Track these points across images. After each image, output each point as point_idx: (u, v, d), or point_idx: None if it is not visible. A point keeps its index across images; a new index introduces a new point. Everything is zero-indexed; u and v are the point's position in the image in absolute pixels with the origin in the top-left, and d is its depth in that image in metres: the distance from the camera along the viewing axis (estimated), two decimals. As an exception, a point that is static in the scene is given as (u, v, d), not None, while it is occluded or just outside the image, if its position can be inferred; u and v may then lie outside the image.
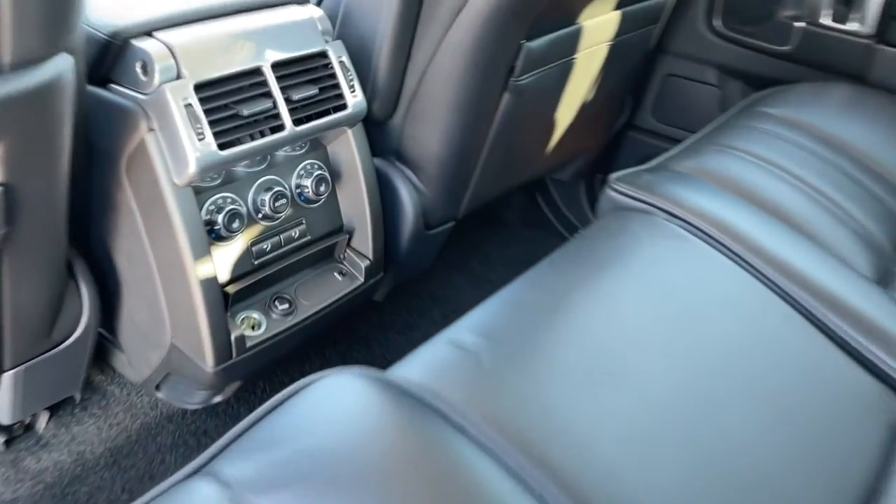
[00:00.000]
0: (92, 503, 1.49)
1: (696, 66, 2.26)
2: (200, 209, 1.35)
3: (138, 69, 1.23)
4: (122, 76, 1.27)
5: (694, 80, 2.28)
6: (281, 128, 1.34)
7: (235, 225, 1.37)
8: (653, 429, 0.98)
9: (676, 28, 2.23)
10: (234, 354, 1.40)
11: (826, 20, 2.06)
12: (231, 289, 1.40)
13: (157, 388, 1.56)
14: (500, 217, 2.58)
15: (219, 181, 1.38)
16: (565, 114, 1.88)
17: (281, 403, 0.93)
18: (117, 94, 1.27)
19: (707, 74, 2.26)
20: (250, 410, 0.94)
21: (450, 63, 1.51)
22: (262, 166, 1.45)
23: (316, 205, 1.54)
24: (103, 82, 1.29)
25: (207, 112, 1.24)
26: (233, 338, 1.39)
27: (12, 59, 0.88)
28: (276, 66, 1.34)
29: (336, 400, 0.94)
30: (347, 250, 1.61)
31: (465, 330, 1.14)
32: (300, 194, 1.51)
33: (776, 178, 1.56)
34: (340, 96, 1.45)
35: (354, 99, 1.46)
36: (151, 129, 1.24)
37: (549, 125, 1.87)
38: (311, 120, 1.40)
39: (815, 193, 1.54)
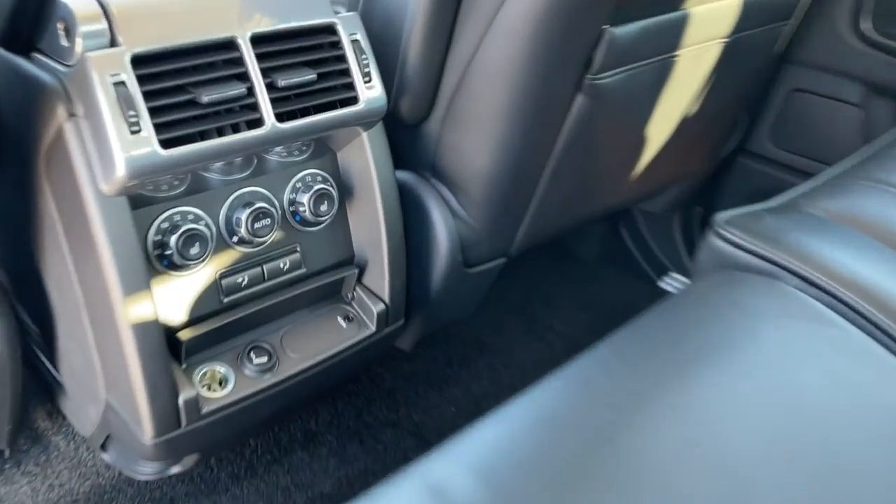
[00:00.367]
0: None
1: (833, 80, 1.78)
2: (149, 226, 1.00)
3: (60, 32, 0.90)
4: (46, 42, 0.94)
5: (829, 98, 1.80)
6: (258, 123, 0.98)
7: (195, 250, 1.01)
8: None
9: (811, 30, 1.75)
10: (182, 422, 1.05)
11: None
12: (186, 334, 1.05)
13: (103, 447, 1.22)
14: (571, 249, 2.15)
15: (181, 189, 1.03)
16: (660, 129, 1.45)
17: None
18: (39, 65, 0.95)
19: (847, 90, 1.77)
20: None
21: (504, 50, 1.12)
22: (245, 173, 1.09)
23: (317, 228, 1.18)
24: (27, 50, 0.97)
25: (150, 95, 0.90)
26: (181, 401, 1.03)
27: None
28: (259, 39, 0.99)
29: None
30: (357, 289, 1.24)
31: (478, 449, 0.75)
32: (294, 214, 1.15)
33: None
34: (350, 87, 1.08)
35: (370, 92, 1.09)
36: (72, 115, 0.91)
37: (637, 142, 1.44)
38: (304, 115, 1.03)
39: None
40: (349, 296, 1.25)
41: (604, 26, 1.15)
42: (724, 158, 1.90)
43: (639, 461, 0.77)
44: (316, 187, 1.13)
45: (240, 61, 0.97)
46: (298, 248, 1.17)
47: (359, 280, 1.25)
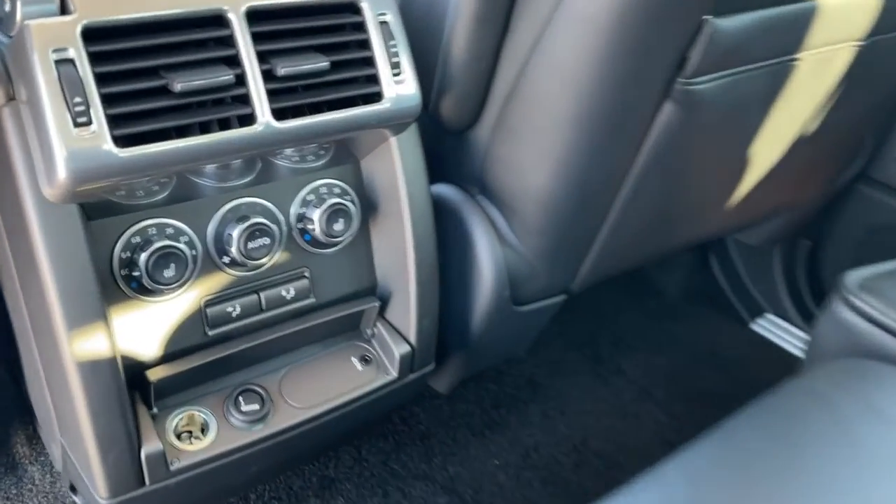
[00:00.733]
0: None
1: None
2: (116, 240, 0.81)
3: (3, -6, 0.72)
4: (-5, 8, 0.76)
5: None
6: (249, 119, 0.78)
7: (169, 273, 0.82)
8: None
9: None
10: (146, 481, 0.86)
11: None
12: (157, 373, 0.86)
13: (73, 490, 1.05)
14: (650, 279, 1.88)
15: (161, 196, 0.84)
16: (767, 148, 1.18)
17: None
18: (-14, 37, 0.77)
19: None
20: None
21: (573, 43, 0.89)
22: (245, 180, 0.90)
23: (331, 250, 0.97)
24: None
25: (104, 79, 0.71)
26: (144, 454, 0.84)
27: None
28: (257, 15, 0.79)
29: None
30: (379, 325, 1.03)
31: None
32: (303, 232, 0.94)
33: None
34: (373, 80, 0.86)
35: (399, 87, 0.87)
36: (11, 99, 0.72)
37: (738, 163, 1.17)
38: (312, 112, 0.82)
39: None
40: (368, 332, 1.04)
41: (705, 16, 0.89)
42: (841, 186, 1.59)
43: None
44: (330, 201, 0.92)
45: (229, 41, 0.77)
46: (307, 274, 0.96)
47: (381, 314, 1.03)
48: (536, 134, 0.98)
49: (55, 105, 0.68)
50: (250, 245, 0.87)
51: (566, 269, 1.15)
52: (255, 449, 0.92)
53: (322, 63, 0.81)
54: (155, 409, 0.88)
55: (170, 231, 0.84)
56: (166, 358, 0.88)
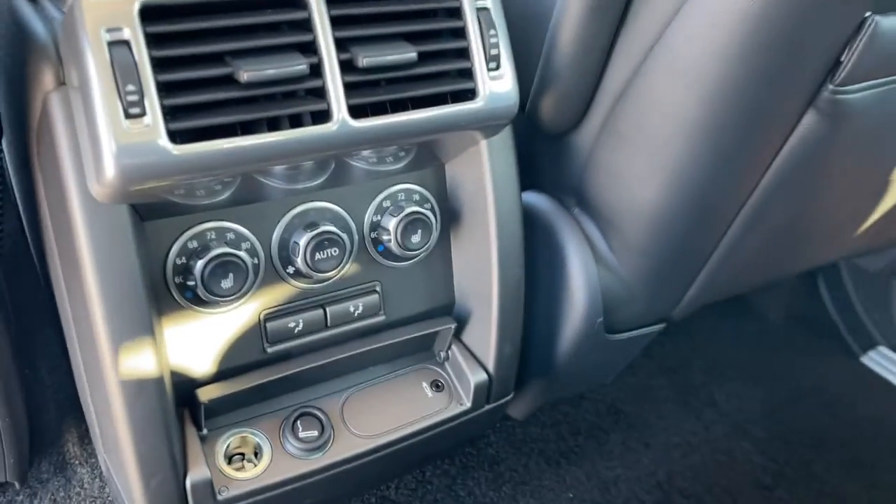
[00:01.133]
0: None
1: None
2: (171, 244, 0.73)
3: (56, -34, 0.64)
4: (51, -20, 0.68)
5: None
6: (324, 116, 0.68)
7: (227, 284, 0.73)
8: None
9: None
10: (190, 509, 0.77)
11: None
12: (209, 393, 0.77)
13: (120, 500, 0.98)
14: (751, 303, 1.72)
15: (224, 196, 0.75)
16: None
17: None
18: (39, 10, 0.69)
19: None
20: None
21: (703, 39, 0.75)
22: (316, 182, 0.80)
23: (406, 263, 0.87)
24: (37, -8, 0.72)
25: (163, 64, 0.61)
26: (189, 482, 0.76)
27: None
28: (339, -3, 0.68)
29: None
30: (454, 348, 0.92)
31: None
32: (377, 242, 0.84)
33: None
34: (467, 74, 0.75)
35: (496, 83, 0.76)
36: (62, 84, 0.64)
37: (878, 183, 1.01)
38: (397, 110, 0.72)
39: None
40: (442, 356, 0.93)
41: (867, 13, 0.74)
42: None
43: None
44: (408, 210, 0.82)
45: (306, 25, 0.67)
46: (378, 288, 0.86)
47: (457, 336, 0.93)
48: (650, 141, 0.85)
49: (106, 93, 0.59)
50: (318, 256, 0.77)
51: (669, 295, 1.02)
52: (311, 480, 0.83)
53: (409, 53, 0.70)
54: (205, 431, 0.80)
55: (230, 236, 0.76)
56: (220, 375, 0.79)
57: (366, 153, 0.81)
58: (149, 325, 0.69)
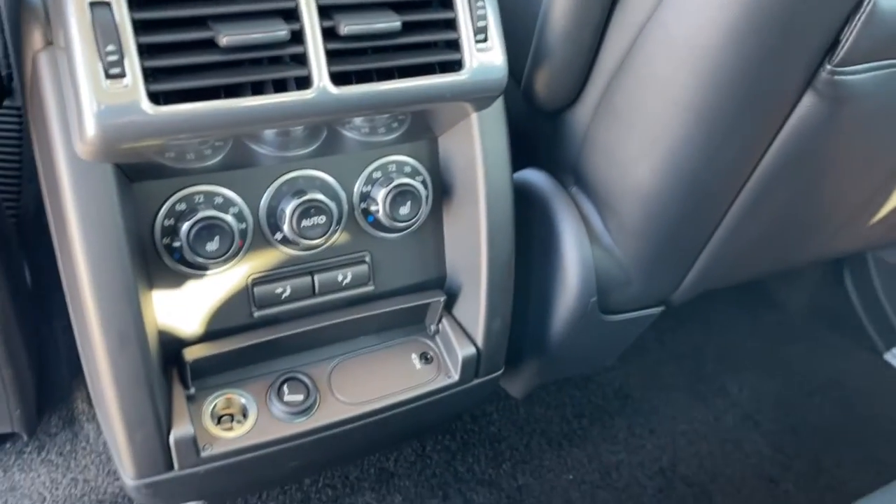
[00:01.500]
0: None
1: None
2: (160, 206, 0.75)
3: (47, -74, 0.65)
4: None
5: None
6: (306, 82, 0.68)
7: (212, 247, 0.75)
8: None
9: None
10: (175, 465, 0.80)
11: None
12: (195, 352, 0.79)
13: (119, 456, 1.01)
14: (768, 292, 1.68)
15: (214, 161, 0.77)
16: (931, 156, 0.98)
17: None
18: (36, -25, 0.71)
19: None
20: None
21: (697, 14, 0.74)
22: (306, 150, 0.81)
23: (396, 235, 0.87)
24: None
25: (144, 26, 0.63)
26: (173, 438, 0.78)
27: None
28: (323, -37, 0.69)
29: None
30: (444, 321, 0.92)
31: None
32: (366, 213, 0.85)
33: None
34: (454, 45, 0.75)
35: (483, 55, 0.76)
36: (50, 43, 0.66)
37: (889, 169, 0.98)
38: (380, 78, 0.72)
39: None
40: (432, 329, 0.94)
41: (867, -12, 0.72)
42: None
43: None
44: (398, 181, 0.82)
45: (288, -9, 0.67)
46: (367, 259, 0.87)
47: (448, 310, 0.93)
48: (645, 119, 0.84)
49: (87, 52, 0.61)
50: (304, 223, 0.79)
51: (666, 279, 1.00)
52: (295, 443, 0.85)
53: (393, 22, 0.71)
54: (192, 390, 0.82)
55: (218, 200, 0.77)
56: (207, 336, 0.82)
57: (358, 122, 0.82)
58: (132, 283, 0.71)
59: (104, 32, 0.61)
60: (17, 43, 0.75)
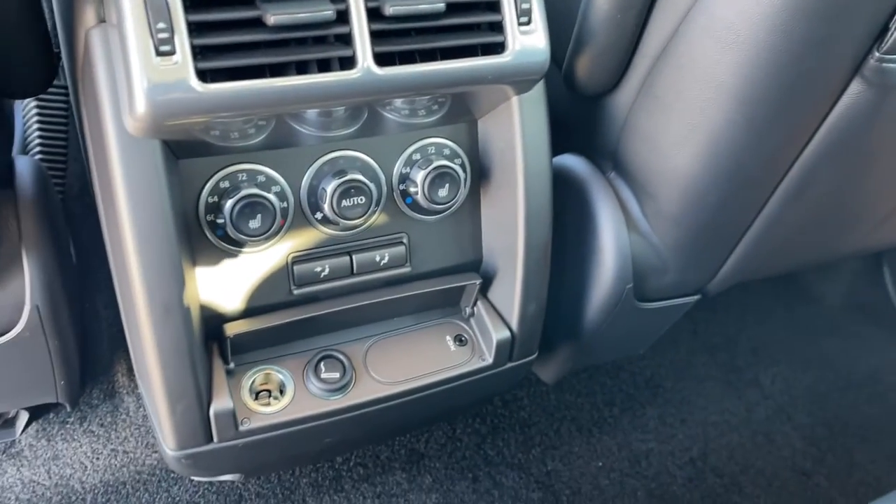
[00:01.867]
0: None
1: None
2: (204, 183, 0.76)
3: None
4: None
5: None
6: (350, 62, 0.69)
7: (254, 224, 0.76)
8: None
9: None
10: (214, 438, 0.82)
11: None
12: (235, 328, 0.81)
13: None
14: (805, 285, 1.66)
15: (257, 140, 0.78)
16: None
17: None
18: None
19: None
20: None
21: (736, 3, 0.73)
22: (347, 130, 0.82)
23: (434, 217, 0.88)
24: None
25: (195, 5, 0.64)
26: (213, 411, 0.80)
27: None
28: (369, -57, 0.69)
29: None
30: (479, 304, 0.93)
31: None
32: (405, 194, 0.85)
33: None
34: (497, 27, 0.75)
35: (526, 38, 0.76)
36: (102, 21, 0.68)
37: (938, 163, 0.96)
38: (423, 59, 0.73)
39: None
40: (467, 311, 0.94)
41: (921, -26, 0.71)
42: None
43: None
44: (437, 163, 0.83)
45: (336, -28, 0.68)
46: (405, 240, 0.88)
47: (483, 293, 0.94)
48: (687, 105, 0.83)
49: (138, 30, 0.62)
50: (344, 203, 0.80)
51: (703, 267, 1.00)
52: (330, 420, 0.86)
53: (437, 4, 0.71)
54: (231, 365, 0.84)
55: (261, 179, 0.78)
56: (247, 313, 0.83)
57: (398, 104, 0.83)
58: (177, 257, 0.73)
59: (155, 10, 0.62)
60: (68, 21, 0.76)
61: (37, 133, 1.21)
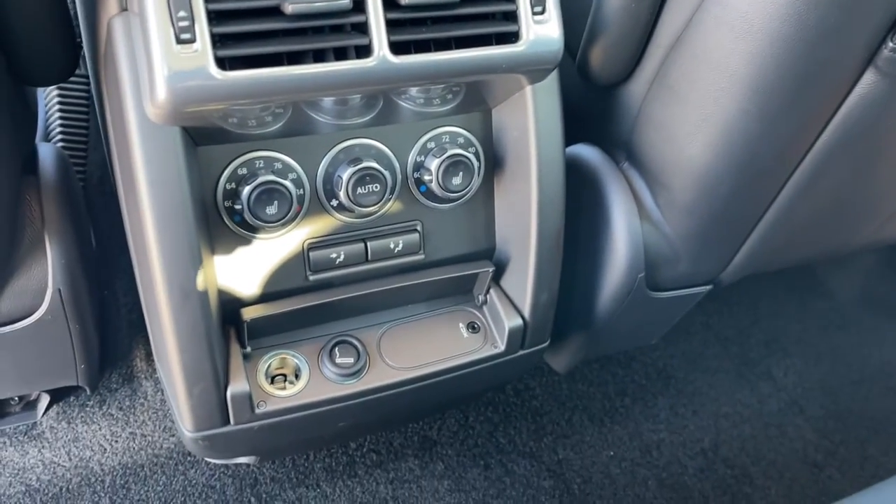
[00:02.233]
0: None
1: None
2: (223, 170, 0.78)
3: None
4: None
5: None
6: (366, 51, 0.70)
7: (271, 210, 0.78)
8: None
9: None
10: (231, 420, 0.83)
11: None
12: (252, 312, 0.82)
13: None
14: (819, 278, 1.66)
15: (274, 127, 0.79)
16: None
17: None
18: (111, -56, 0.74)
19: None
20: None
21: (757, -11, 0.74)
22: (363, 118, 0.83)
23: (448, 206, 0.89)
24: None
25: (214, -6, 0.65)
26: (230, 394, 0.81)
27: None
28: (386, -68, 0.70)
29: None
30: (492, 292, 0.94)
31: None
32: (419, 182, 0.86)
33: None
34: (511, 17, 0.76)
35: (540, 27, 0.76)
36: (124, 10, 0.69)
37: (953, 155, 0.96)
38: (437, 48, 0.74)
39: None
40: (480, 299, 0.95)
41: (936, -37, 0.71)
42: None
43: None
44: (451, 152, 0.84)
45: (352, -38, 0.69)
46: (419, 228, 0.89)
47: (496, 281, 0.95)
48: (700, 95, 0.83)
49: (160, 18, 0.64)
50: (359, 190, 0.81)
51: (716, 257, 1.00)
52: (344, 404, 0.88)
53: (453, -7, 0.72)
54: (248, 349, 0.85)
55: (278, 166, 0.80)
56: (264, 298, 0.85)
57: (413, 93, 0.83)
58: (196, 242, 0.75)
59: (177, 0, 0.63)
60: (91, 10, 0.78)
61: (58, 121, 1.24)
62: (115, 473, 1.13)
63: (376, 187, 0.81)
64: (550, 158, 0.86)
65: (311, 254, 0.85)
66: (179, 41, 0.64)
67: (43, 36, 0.80)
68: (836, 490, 1.29)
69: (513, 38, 0.76)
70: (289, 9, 0.66)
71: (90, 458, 1.13)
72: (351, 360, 0.88)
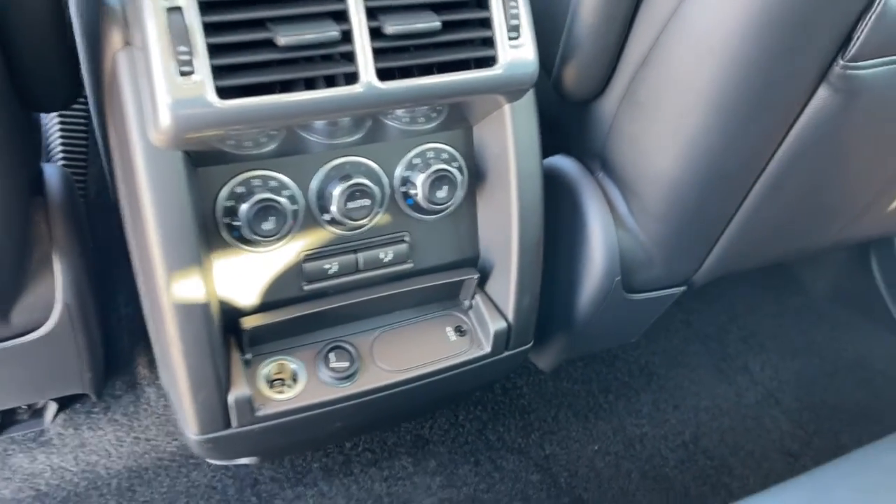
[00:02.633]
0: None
1: None
2: (221, 189, 0.83)
3: (126, -61, 0.73)
4: (122, -47, 0.78)
5: None
6: (354, 78, 0.76)
7: (268, 226, 0.83)
8: None
9: None
10: (233, 423, 0.89)
11: None
12: (252, 321, 0.88)
13: (179, 417, 1.11)
14: (793, 275, 1.72)
15: (269, 148, 0.84)
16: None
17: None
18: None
19: None
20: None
21: (716, 10, 0.79)
22: (353, 138, 0.88)
23: (433, 217, 0.95)
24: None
25: (213, 29, 0.70)
26: (232, 398, 0.87)
27: None
28: (370, -31, 0.76)
29: None
30: (477, 297, 0.99)
31: None
32: (406, 196, 0.92)
33: None
34: (488, 42, 0.81)
35: (515, 52, 0.82)
36: (128, 44, 0.74)
37: (908, 160, 1.02)
38: (420, 74, 0.79)
39: None
40: (466, 304, 1.01)
41: (879, -13, 0.77)
42: None
43: None
44: (435, 167, 0.89)
45: (340, -5, 0.74)
46: (407, 238, 0.94)
47: (481, 287, 1.00)
48: (666, 111, 0.89)
49: (163, 53, 0.69)
50: (350, 205, 0.86)
51: (687, 260, 1.06)
52: (340, 405, 0.93)
53: (434, 22, 0.77)
54: (248, 356, 0.91)
55: (273, 184, 0.85)
56: (262, 307, 0.90)
57: (399, 113, 0.89)
58: (198, 257, 0.80)
59: (178, 34, 0.69)
60: (93, 44, 0.83)
61: (59, 140, 1.28)
62: (120, 477, 1.18)
63: (366, 202, 0.87)
64: (529, 172, 0.92)
65: (305, 265, 0.90)
66: (181, 73, 0.69)
67: (49, 67, 0.85)
68: (811, 478, 1.35)
69: (490, 62, 0.82)
70: (281, 41, 0.72)
71: (96, 462, 1.18)
72: (345, 365, 0.93)
